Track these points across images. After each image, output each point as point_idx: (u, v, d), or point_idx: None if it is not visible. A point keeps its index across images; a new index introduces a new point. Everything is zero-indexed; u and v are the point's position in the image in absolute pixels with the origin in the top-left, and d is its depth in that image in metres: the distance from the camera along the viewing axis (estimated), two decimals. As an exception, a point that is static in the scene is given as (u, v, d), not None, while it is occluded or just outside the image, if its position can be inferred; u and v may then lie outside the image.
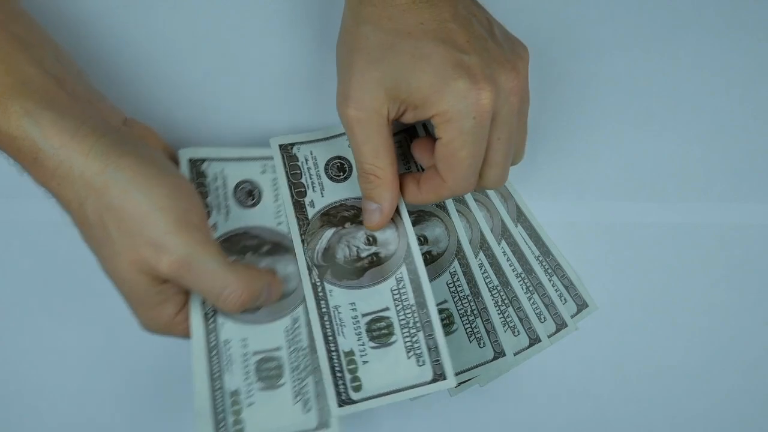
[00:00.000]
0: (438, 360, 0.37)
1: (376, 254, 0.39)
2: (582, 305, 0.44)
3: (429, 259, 0.43)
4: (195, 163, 0.38)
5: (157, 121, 0.41)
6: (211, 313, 0.36)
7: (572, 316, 0.44)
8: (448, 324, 0.40)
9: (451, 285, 0.43)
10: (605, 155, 0.45)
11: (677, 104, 0.46)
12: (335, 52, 0.37)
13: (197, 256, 0.32)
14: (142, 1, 0.43)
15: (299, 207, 0.40)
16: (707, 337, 0.44)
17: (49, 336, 0.43)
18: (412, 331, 0.38)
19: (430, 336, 0.37)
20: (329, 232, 0.40)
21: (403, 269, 0.39)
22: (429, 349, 0.37)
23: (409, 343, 0.38)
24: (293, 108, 0.43)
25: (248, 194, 0.39)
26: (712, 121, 0.46)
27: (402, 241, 0.39)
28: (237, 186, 0.39)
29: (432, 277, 0.43)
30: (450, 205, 0.44)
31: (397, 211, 0.39)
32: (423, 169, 0.41)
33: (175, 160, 0.38)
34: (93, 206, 0.31)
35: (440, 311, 0.40)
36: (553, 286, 0.44)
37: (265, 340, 0.37)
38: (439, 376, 0.37)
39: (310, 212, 0.40)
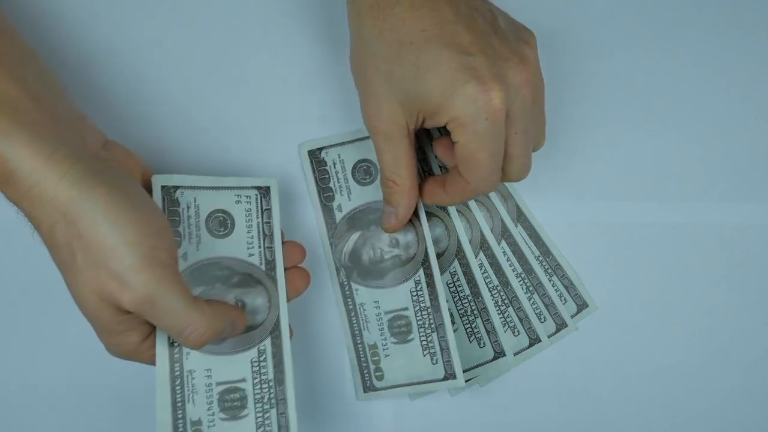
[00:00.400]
0: (449, 360, 0.40)
1: (398, 256, 0.42)
2: (582, 305, 0.44)
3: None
4: (168, 191, 0.38)
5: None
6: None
7: (572, 316, 0.44)
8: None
9: (451, 285, 0.43)
10: (605, 155, 0.45)
11: (678, 104, 0.46)
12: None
13: (160, 295, 0.31)
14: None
15: (328, 211, 0.43)
16: (707, 337, 0.44)
17: (49, 336, 0.43)
18: (428, 331, 0.41)
19: (442, 337, 0.40)
20: (355, 235, 0.42)
21: (421, 273, 0.41)
22: (441, 349, 0.40)
23: (425, 342, 0.41)
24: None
25: (221, 224, 0.38)
26: (713, 120, 0.46)
27: (421, 245, 0.41)
28: (209, 215, 0.38)
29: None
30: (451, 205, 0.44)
31: (418, 216, 0.41)
32: (447, 169, 0.42)
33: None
34: (62, 231, 0.31)
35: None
36: (553, 286, 0.44)
37: (229, 372, 0.37)
38: (449, 375, 0.40)
39: (338, 216, 0.42)
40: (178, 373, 0.36)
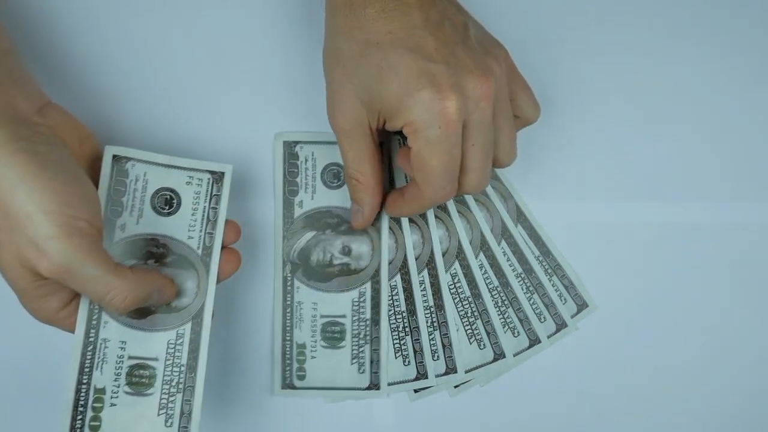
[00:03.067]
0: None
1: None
2: (582, 305, 0.44)
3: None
4: (119, 161, 0.38)
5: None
6: (96, 310, 0.36)
7: (572, 316, 0.44)
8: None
9: (452, 286, 0.43)
10: (605, 155, 0.45)
11: (677, 104, 0.46)
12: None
13: (78, 263, 0.32)
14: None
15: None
16: (707, 337, 0.44)
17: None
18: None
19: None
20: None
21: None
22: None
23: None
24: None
25: (166, 202, 0.38)
26: (713, 120, 0.46)
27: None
28: (156, 192, 0.38)
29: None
30: (451, 206, 0.44)
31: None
32: None
33: (97, 153, 0.38)
34: None
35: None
36: (553, 286, 0.44)
37: (144, 348, 0.37)
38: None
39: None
40: (92, 339, 0.36)
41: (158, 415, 0.37)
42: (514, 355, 0.43)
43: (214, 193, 0.39)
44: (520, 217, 0.45)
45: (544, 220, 0.45)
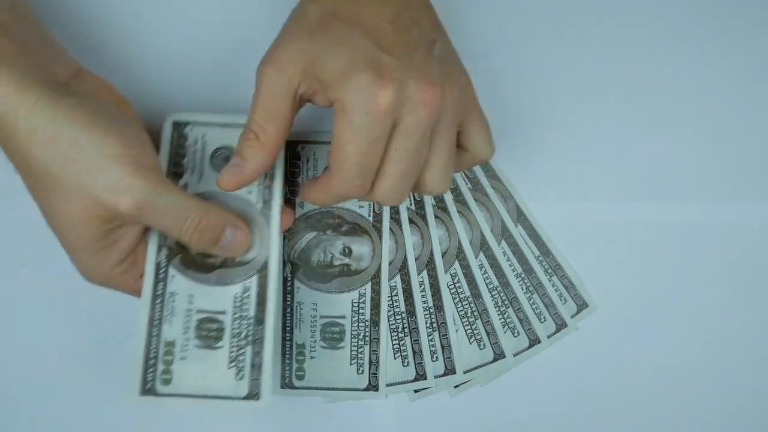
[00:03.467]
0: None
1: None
2: (582, 305, 0.44)
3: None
4: (178, 126, 0.39)
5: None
6: (164, 263, 0.37)
7: (572, 316, 0.44)
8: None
9: (452, 286, 0.43)
10: (605, 155, 0.45)
11: (677, 104, 0.46)
12: None
13: (157, 194, 0.33)
14: None
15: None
16: (707, 337, 0.44)
17: (48, 336, 0.43)
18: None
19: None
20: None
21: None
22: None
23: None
24: None
25: (225, 160, 0.39)
26: (713, 120, 0.46)
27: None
28: (215, 151, 0.39)
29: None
30: (451, 206, 0.44)
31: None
32: None
33: (133, 115, 0.38)
34: (39, 156, 0.31)
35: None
36: (553, 286, 0.44)
37: (211, 302, 0.37)
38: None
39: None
40: (160, 292, 0.37)
41: (228, 368, 0.37)
42: (514, 355, 0.43)
43: None
44: (520, 217, 0.45)
45: (544, 220, 0.45)
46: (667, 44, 0.46)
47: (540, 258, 0.44)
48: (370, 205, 0.43)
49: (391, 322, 0.43)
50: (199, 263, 0.37)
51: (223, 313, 0.37)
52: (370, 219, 0.43)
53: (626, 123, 0.45)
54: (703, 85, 0.46)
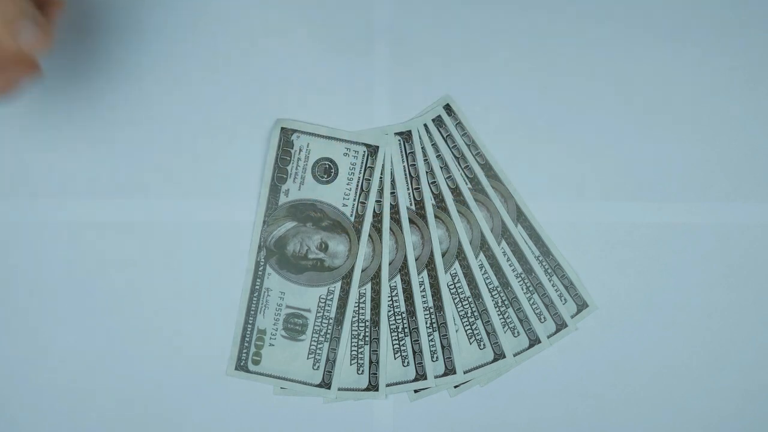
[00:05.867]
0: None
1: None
2: (582, 305, 0.44)
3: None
4: (285, 132, 0.43)
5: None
6: (262, 262, 0.43)
7: (572, 316, 0.44)
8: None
9: (452, 286, 0.43)
10: (605, 155, 0.45)
11: (677, 104, 0.46)
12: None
13: None
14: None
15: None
16: (707, 337, 0.44)
17: (48, 336, 0.43)
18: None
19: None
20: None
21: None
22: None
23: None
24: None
25: (326, 171, 0.43)
26: (713, 120, 0.46)
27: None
28: (317, 161, 0.43)
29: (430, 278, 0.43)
30: (451, 206, 0.44)
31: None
32: None
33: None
34: None
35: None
36: (553, 286, 0.44)
37: (299, 300, 0.43)
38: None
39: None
40: (257, 286, 0.43)
41: (307, 358, 0.43)
42: (514, 355, 0.43)
43: (368, 165, 0.43)
44: (520, 217, 0.45)
45: (544, 220, 0.45)
46: (667, 44, 0.46)
47: (540, 258, 0.44)
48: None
49: (391, 322, 0.43)
50: (293, 264, 0.43)
51: (308, 311, 0.43)
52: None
53: (626, 123, 0.45)
54: (703, 85, 0.46)
